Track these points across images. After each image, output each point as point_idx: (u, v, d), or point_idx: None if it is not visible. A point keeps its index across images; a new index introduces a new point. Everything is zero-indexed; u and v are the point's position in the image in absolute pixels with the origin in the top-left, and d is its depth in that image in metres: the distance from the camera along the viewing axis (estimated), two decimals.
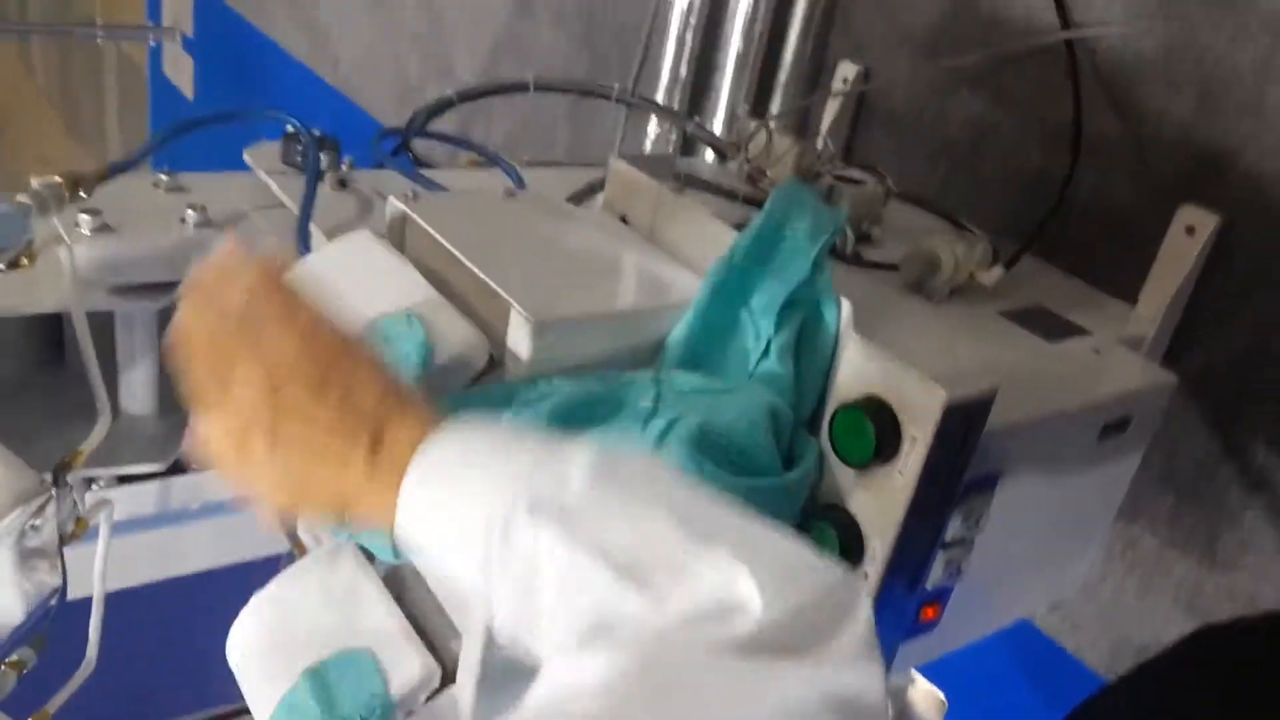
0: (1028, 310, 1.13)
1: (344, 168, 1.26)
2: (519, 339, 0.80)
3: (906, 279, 1.11)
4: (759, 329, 0.84)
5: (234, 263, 0.57)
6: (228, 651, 1.03)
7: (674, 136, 1.77)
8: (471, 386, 0.83)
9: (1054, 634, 1.44)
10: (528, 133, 2.35)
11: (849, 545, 0.80)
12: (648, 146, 1.79)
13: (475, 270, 0.85)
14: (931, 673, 1.52)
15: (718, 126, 1.74)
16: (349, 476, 0.48)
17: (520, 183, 1.22)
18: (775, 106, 1.66)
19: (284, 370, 0.50)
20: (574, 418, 0.77)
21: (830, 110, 1.57)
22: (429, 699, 0.89)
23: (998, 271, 1.12)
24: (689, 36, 1.74)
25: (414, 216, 0.94)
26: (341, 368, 0.51)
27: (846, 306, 0.82)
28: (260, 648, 1.01)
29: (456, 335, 0.82)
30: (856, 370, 0.81)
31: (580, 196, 1.20)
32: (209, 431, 0.53)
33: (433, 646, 0.92)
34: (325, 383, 0.50)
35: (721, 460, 0.77)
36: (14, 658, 1.00)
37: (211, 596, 1.12)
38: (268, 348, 0.51)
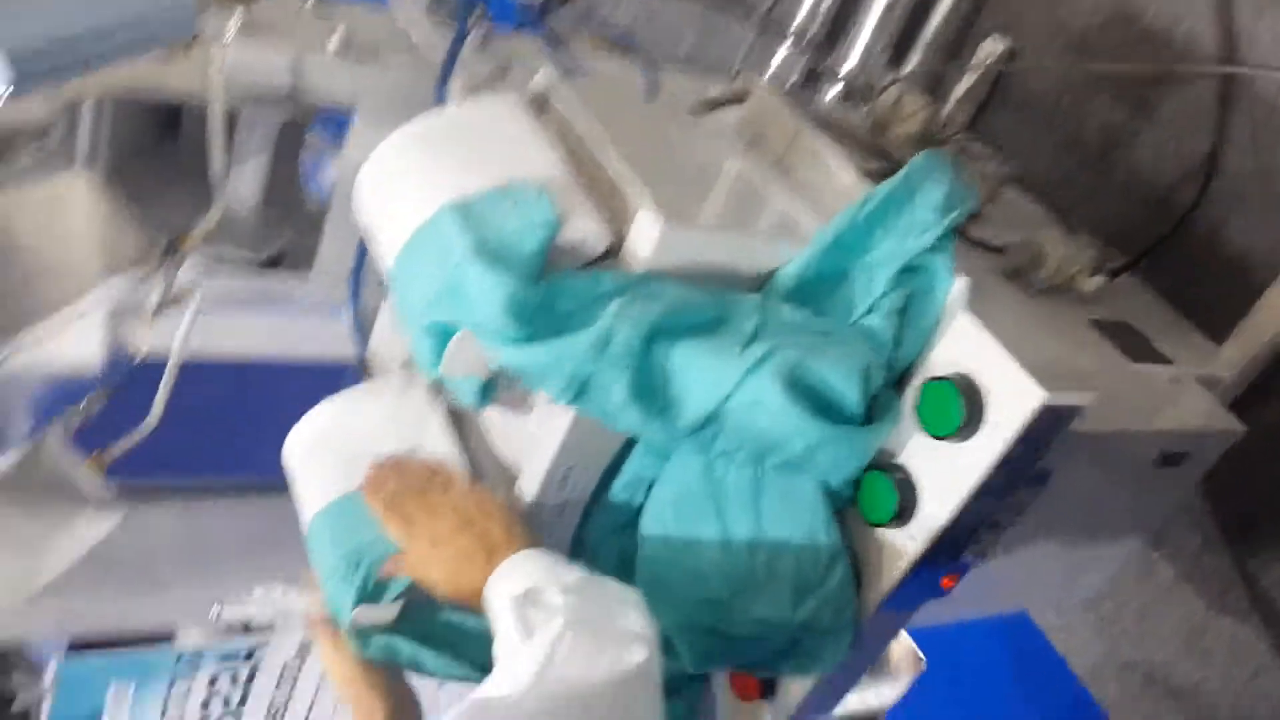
0: (1116, 325, 1.14)
1: (486, 26, 1.27)
2: (643, 237, 0.82)
3: (1008, 266, 1.12)
4: (871, 285, 0.85)
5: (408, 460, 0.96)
6: (285, 452, 1.08)
7: (798, 70, 1.75)
8: (583, 270, 0.85)
9: (1049, 631, 1.48)
10: (650, 30, 2.32)
11: (904, 506, 0.83)
12: (769, 73, 1.77)
13: (614, 161, 0.86)
14: (918, 636, 1.56)
15: (843, 69, 1.72)
16: (475, 576, 0.80)
17: (656, 85, 1.22)
18: (911, 63, 1.64)
19: (442, 520, 0.86)
20: (677, 325, 0.79)
21: (966, 80, 1.56)
22: None
23: (1099, 280, 1.13)
24: None
25: (562, 95, 0.95)
26: (472, 514, 0.85)
27: (961, 284, 0.83)
28: (320, 454, 1.05)
29: (582, 220, 0.83)
30: (958, 345, 0.82)
31: (710, 105, 1.20)
32: (402, 542, 0.88)
33: None
34: (468, 524, 0.85)
35: (808, 399, 0.79)
36: (82, 404, 1.08)
37: (278, 385, 1.20)
38: (433, 503, 0.87)
